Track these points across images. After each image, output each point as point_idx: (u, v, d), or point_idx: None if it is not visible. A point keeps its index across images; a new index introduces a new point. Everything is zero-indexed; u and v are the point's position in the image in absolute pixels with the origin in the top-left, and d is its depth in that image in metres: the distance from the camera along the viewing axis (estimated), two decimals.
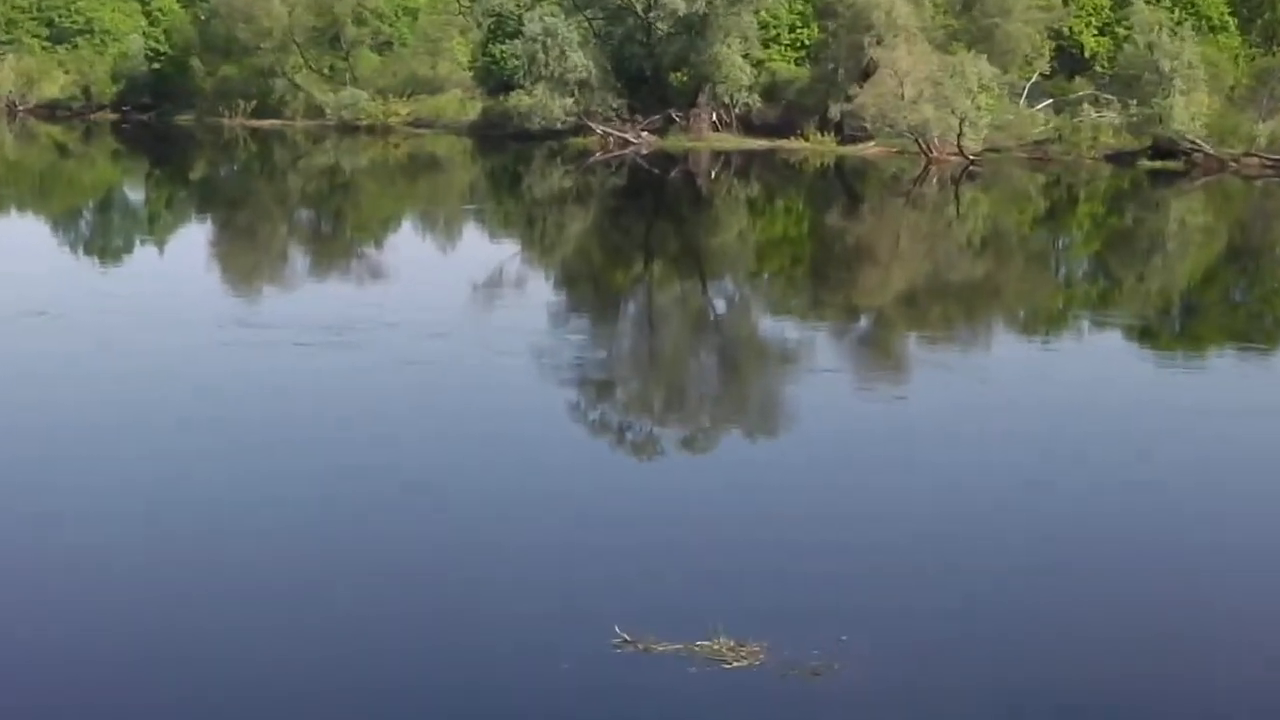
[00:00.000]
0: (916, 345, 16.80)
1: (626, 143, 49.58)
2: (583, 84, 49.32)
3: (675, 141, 50.39)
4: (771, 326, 17.76)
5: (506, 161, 47.48)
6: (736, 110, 51.19)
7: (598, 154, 47.55)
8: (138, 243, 25.63)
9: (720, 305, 20.05)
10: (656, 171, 43.38)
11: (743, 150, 49.72)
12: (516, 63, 51.64)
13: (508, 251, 24.94)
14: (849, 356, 16.02)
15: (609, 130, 50.00)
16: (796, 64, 56.30)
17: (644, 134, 50.48)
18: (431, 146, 52.16)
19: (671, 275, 22.76)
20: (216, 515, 8.93)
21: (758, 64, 52.88)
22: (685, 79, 52.52)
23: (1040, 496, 10.02)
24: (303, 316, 16.24)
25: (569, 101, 49.02)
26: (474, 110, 56.89)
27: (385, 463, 10.25)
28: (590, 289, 21.10)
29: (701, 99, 51.20)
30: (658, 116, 51.06)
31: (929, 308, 19.67)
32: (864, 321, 18.86)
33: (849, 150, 48.61)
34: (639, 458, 11.21)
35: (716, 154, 48.89)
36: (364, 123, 56.20)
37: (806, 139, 50.29)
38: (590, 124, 49.97)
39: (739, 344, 16.64)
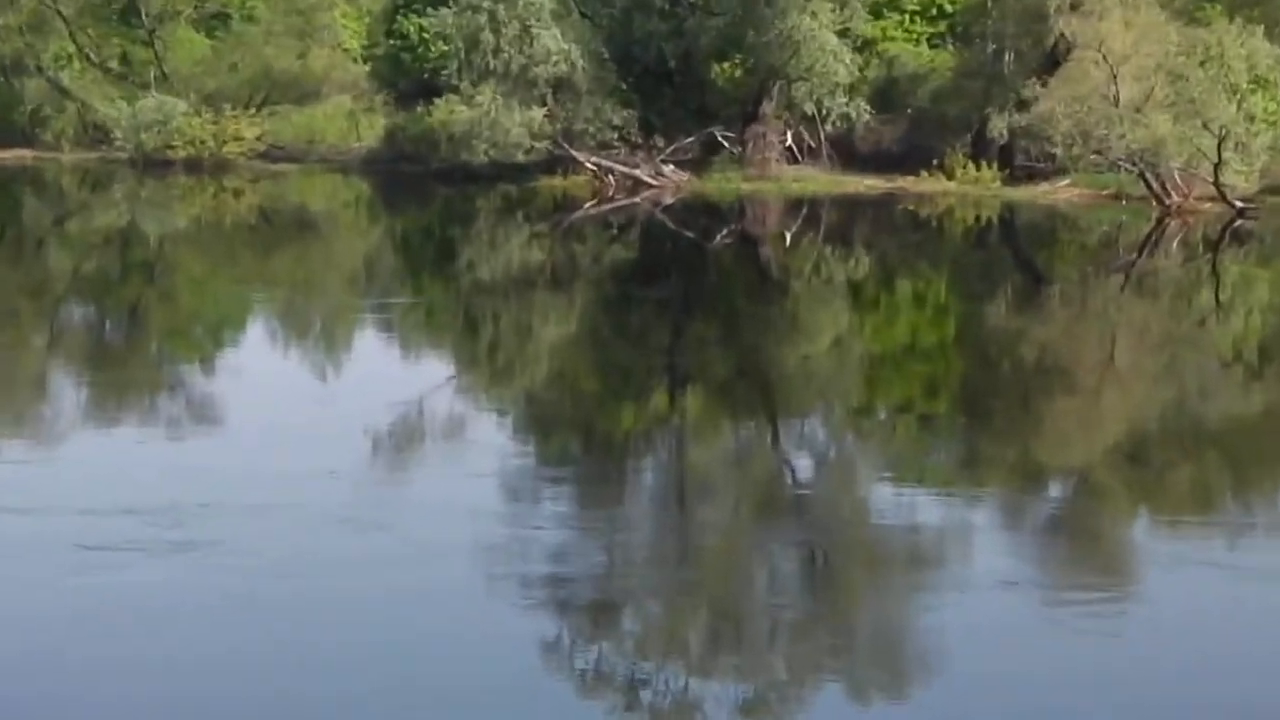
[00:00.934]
0: (1149, 530, 17.08)
1: (638, 184, 50.66)
2: (562, 84, 50.37)
3: (722, 181, 51.25)
4: (892, 503, 17.88)
5: (430, 219, 48.34)
6: (828, 126, 52.32)
7: (588, 204, 48.36)
8: None
9: (803, 467, 20.17)
10: (690, 234, 43.83)
11: (840, 196, 50.30)
12: (445, 48, 53.17)
13: (435, 378, 25.14)
14: (1032, 552, 16.26)
15: (607, 164, 51.11)
16: (931, 46, 57.30)
17: (668, 169, 51.48)
18: (300, 194, 52.98)
19: (717, 416, 22.98)
20: None
21: (863, 46, 53.98)
22: (738, 74, 53.50)
23: None
24: (90, 494, 16.37)
25: (538, 115, 49.99)
26: (373, 130, 58.17)
27: None
28: (579, 441, 21.36)
29: (767, 108, 52.13)
30: (691, 139, 51.93)
31: (1169, 468, 19.93)
32: (1056, 492, 19.11)
33: (1024, 194, 49.75)
34: None
35: (795, 202, 49.48)
36: (181, 154, 57.65)
37: (950, 175, 51.34)
38: (575, 153, 50.87)
39: (836, 535, 16.78)
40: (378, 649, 12.63)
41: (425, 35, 59.38)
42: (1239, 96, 45.20)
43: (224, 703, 11.59)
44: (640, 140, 52.03)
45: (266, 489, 16.95)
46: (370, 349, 28.86)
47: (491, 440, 20.83)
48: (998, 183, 50.90)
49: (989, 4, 53.52)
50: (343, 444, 19.22)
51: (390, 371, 26.07)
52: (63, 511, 15.78)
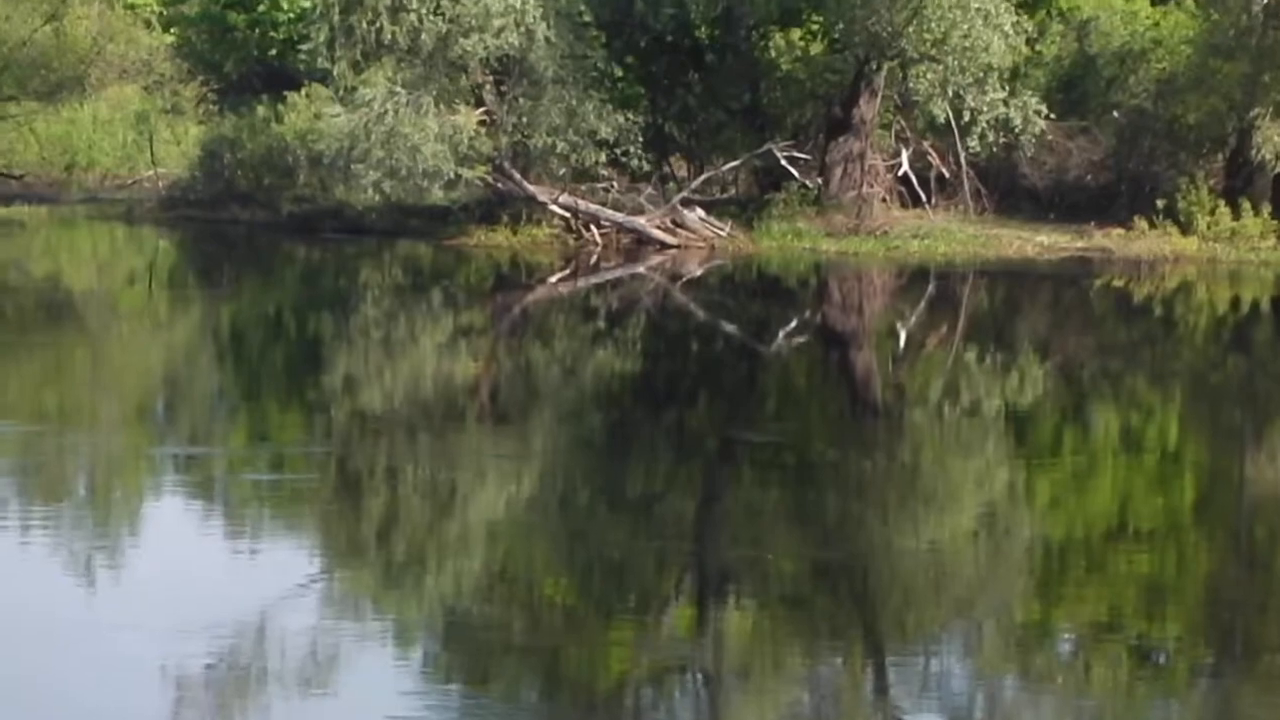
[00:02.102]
0: None
1: (642, 242, 49.96)
2: (511, 68, 49.27)
3: (789, 237, 50.80)
4: None
5: (280, 303, 47.40)
6: (973, 142, 51.39)
7: (556, 276, 47.37)
8: None
9: None
10: (732, 329, 42.85)
11: (994, 262, 49.23)
12: (305, 3, 51.98)
13: (285, 584, 22.46)
14: None
15: (589, 206, 50.46)
16: (1155, 1, 57.00)
17: (695, 216, 50.61)
18: (52, 258, 52.64)
19: (781, 647, 20.81)
20: None
21: (1036, 1, 52.61)
22: (816, 50, 52.38)
23: None
24: None
25: (469, 122, 48.71)
26: (180, 148, 57.14)
27: None
28: (535, 695, 19.09)
29: (866, 109, 51.82)
30: (736, 164, 51.31)
31: None
32: None
33: None
34: None
35: (915, 274, 48.65)
36: None
37: (1187, 227, 50.37)
38: (532, 188, 50.24)
39: None
40: None
41: None
42: None
43: None
44: (647, 165, 50.56)
45: None
46: (173, 533, 25.78)
47: (386, 699, 18.04)
48: (1271, 239, 49.41)
49: None
50: (128, 701, 17.41)
51: (206, 571, 23.29)
52: None
